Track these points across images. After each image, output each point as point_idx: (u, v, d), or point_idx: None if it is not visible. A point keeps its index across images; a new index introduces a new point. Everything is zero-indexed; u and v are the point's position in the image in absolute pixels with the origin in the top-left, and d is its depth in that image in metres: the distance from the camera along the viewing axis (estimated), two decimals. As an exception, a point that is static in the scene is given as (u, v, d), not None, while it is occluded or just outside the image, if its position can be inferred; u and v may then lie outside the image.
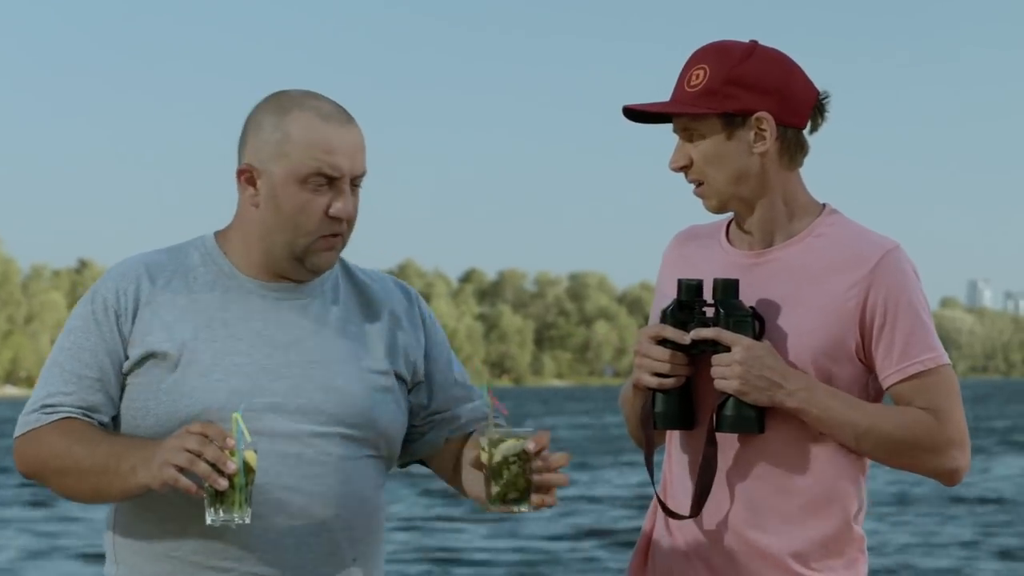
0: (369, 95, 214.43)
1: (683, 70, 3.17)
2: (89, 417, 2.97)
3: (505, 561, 16.54)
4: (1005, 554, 17.04)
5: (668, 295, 3.24)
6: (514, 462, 2.91)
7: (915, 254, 3.20)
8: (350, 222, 2.99)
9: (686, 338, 3.12)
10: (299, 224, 2.96)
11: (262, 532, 2.93)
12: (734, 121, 3.12)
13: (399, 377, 3.12)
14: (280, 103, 2.98)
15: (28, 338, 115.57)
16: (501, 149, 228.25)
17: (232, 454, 2.75)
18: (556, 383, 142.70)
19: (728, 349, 3.09)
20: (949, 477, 3.16)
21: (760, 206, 3.18)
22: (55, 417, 2.96)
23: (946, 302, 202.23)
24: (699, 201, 3.20)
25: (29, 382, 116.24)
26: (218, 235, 3.11)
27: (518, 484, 2.91)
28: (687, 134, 3.15)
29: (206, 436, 2.75)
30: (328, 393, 3.00)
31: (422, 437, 3.19)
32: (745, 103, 3.11)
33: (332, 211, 2.95)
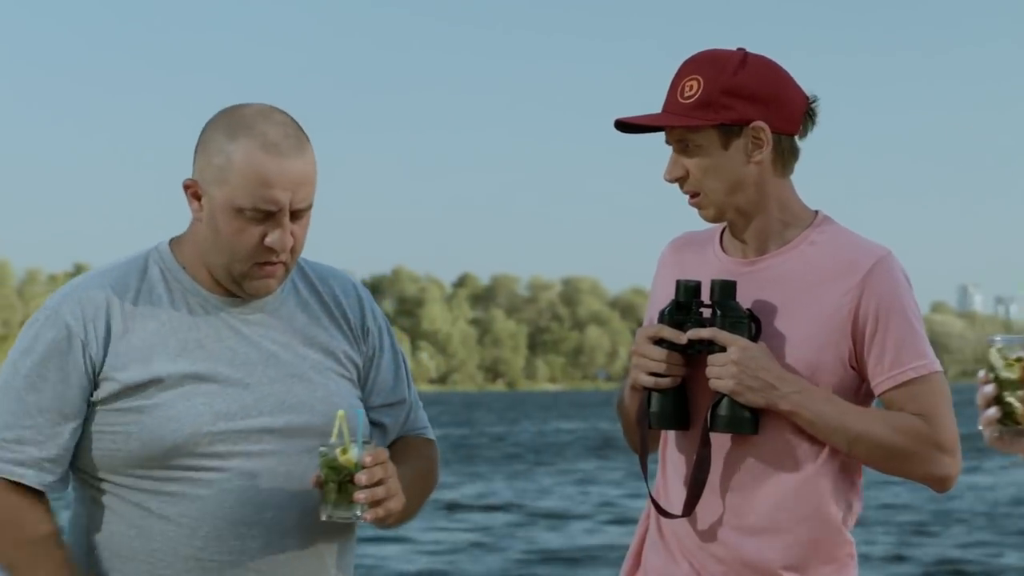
0: (369, 95, 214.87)
1: (675, 80, 3.17)
2: (47, 478, 2.90)
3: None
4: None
5: (663, 299, 3.25)
6: None
7: (906, 258, 3.20)
8: (293, 251, 2.94)
9: (683, 338, 3.13)
10: (235, 250, 2.91)
11: (258, 551, 2.94)
12: (731, 132, 3.13)
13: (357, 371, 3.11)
14: (231, 123, 2.90)
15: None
16: (493, 152, 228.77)
17: (344, 452, 2.83)
18: (549, 387, 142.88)
19: (724, 349, 3.09)
20: (940, 483, 3.16)
21: (756, 215, 3.19)
22: (14, 476, 2.90)
23: (937, 307, 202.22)
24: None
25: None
26: (173, 244, 3.04)
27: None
28: (682, 146, 3.15)
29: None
30: (313, 406, 2.99)
31: None
32: (741, 113, 3.12)
33: (267, 241, 2.89)
